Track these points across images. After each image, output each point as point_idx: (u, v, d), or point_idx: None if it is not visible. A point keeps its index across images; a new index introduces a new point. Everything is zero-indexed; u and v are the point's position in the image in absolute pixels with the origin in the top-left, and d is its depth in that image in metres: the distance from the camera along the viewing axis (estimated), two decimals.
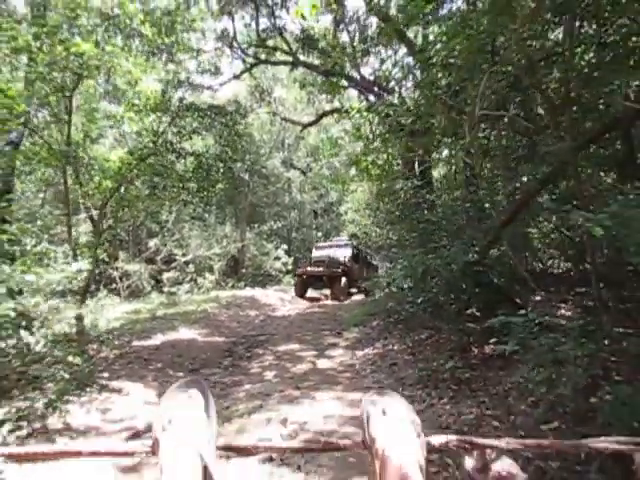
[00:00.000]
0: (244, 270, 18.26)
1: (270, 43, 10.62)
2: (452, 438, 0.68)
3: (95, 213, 8.90)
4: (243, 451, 0.67)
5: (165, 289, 14.22)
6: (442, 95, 4.24)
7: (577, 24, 3.75)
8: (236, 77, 11.29)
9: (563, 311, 5.31)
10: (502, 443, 0.66)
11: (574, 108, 3.87)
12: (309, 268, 14.13)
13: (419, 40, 8.91)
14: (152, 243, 14.92)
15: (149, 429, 3.71)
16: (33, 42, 5.53)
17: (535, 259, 7.62)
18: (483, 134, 5.47)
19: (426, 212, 7.61)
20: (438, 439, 0.68)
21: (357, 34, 10.81)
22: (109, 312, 9.41)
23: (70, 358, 4.18)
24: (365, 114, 7.48)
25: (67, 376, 3.99)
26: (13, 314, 2.98)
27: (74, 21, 5.42)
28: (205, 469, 0.57)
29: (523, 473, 0.66)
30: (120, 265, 13.78)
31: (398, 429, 0.64)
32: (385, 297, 8.11)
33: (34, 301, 3.54)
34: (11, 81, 6.54)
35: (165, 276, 15.00)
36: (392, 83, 8.51)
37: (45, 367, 4.17)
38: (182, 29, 7.16)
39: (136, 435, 3.64)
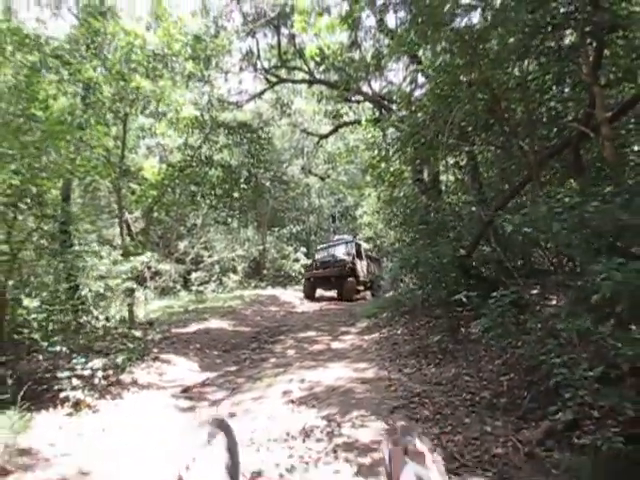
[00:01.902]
0: (265, 271, 19.30)
1: (290, 64, 11.71)
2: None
3: (130, 217, 10.09)
4: None
5: (193, 288, 15.43)
6: (428, 119, 5.14)
7: (536, 62, 4.62)
8: (260, 94, 12.43)
9: (554, 301, 6.11)
10: None
11: (535, 128, 4.74)
12: (315, 271, 14.25)
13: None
14: (182, 245, 16.12)
15: (194, 386, 4.74)
16: (94, 73, 6.73)
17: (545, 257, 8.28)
18: (471, 149, 6.32)
19: (432, 215, 8.47)
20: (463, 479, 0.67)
21: (370, 51, 11.72)
22: (146, 306, 10.58)
23: (135, 332, 5.22)
24: (373, 128, 8.40)
25: (132, 346, 5.03)
26: (102, 291, 4.02)
27: (129, 56, 6.55)
28: None
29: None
30: (153, 265, 15.01)
31: (420, 468, 0.64)
32: (392, 293, 8.98)
33: (115, 283, 4.60)
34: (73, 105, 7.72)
35: (193, 276, 16.21)
36: (399, 97, 9.38)
37: (113, 339, 5.25)
38: (214, 57, 8.28)
39: (186, 389, 4.65)
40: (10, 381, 3.47)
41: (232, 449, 0.70)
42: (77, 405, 3.62)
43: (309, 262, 16.44)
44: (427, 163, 8.06)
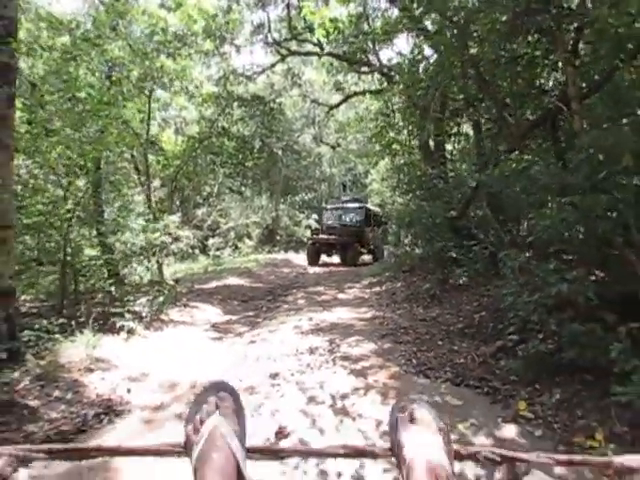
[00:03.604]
0: (278, 237, 20.22)
1: (301, 36, 12.11)
2: (482, 449, 0.65)
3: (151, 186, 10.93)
4: (269, 453, 0.68)
5: (211, 253, 16.44)
6: (424, 92, 5.72)
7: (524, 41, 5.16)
8: (271, 66, 12.90)
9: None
10: (532, 457, 0.63)
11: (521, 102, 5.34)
12: (321, 235, 14.11)
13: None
14: (199, 212, 17.02)
15: (220, 323, 5.64)
16: (120, 53, 7.38)
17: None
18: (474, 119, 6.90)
19: (433, 181, 9.10)
20: (467, 449, 0.67)
21: (378, 23, 12.00)
22: (169, 268, 11.58)
23: (169, 282, 6.13)
24: (376, 99, 8.93)
25: (166, 292, 5.95)
26: (143, 244, 4.87)
27: (151, 37, 7.18)
28: (237, 467, 0.59)
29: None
30: (173, 231, 16.00)
31: (426, 436, 0.64)
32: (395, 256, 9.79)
33: (154, 236, 5.47)
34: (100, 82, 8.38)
35: (210, 241, 17.21)
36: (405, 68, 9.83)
37: (148, 289, 6.17)
38: (228, 33, 8.83)
39: (213, 325, 5.58)
40: (78, 313, 4.39)
41: (239, 413, 0.70)
42: (130, 332, 4.53)
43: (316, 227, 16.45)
44: (425, 132, 8.62)
